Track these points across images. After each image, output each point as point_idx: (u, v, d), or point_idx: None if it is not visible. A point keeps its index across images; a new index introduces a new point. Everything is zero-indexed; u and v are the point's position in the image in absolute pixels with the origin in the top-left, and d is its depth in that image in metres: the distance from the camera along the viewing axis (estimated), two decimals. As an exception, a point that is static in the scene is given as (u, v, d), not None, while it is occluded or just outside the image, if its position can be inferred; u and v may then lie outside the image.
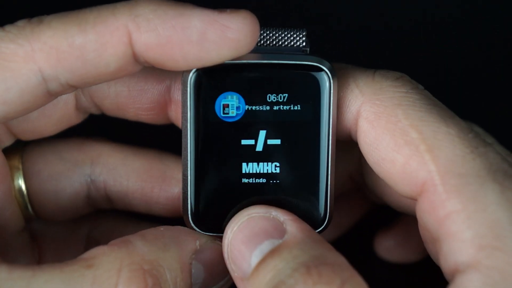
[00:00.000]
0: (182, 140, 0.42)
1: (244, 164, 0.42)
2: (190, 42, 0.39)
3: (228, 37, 0.39)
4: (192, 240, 0.41)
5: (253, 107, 0.42)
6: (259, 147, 0.42)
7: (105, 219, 0.52)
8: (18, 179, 0.48)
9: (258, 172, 0.42)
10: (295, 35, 0.42)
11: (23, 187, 0.48)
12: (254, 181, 0.42)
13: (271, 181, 0.42)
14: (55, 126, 0.47)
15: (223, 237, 0.41)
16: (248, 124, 0.42)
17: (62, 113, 0.47)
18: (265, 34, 0.42)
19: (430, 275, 0.52)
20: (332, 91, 0.42)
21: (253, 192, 0.42)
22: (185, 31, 0.39)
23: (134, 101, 0.46)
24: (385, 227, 0.55)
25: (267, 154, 0.42)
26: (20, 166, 0.48)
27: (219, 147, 0.42)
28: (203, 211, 0.43)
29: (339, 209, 0.52)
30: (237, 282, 0.41)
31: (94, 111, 0.48)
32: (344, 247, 0.42)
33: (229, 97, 0.42)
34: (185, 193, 0.43)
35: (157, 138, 0.52)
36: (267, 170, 0.42)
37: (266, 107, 0.42)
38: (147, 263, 0.39)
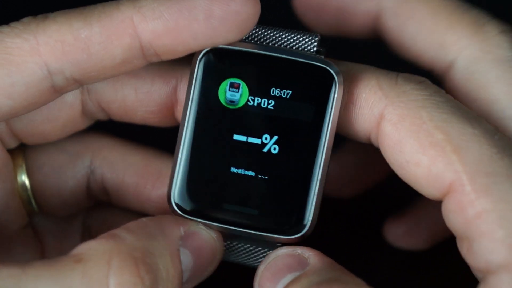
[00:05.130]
0: (181, 119, 0.42)
1: (236, 153, 0.42)
2: (198, 21, 0.40)
3: (234, 10, 0.40)
4: (176, 227, 0.41)
5: (256, 98, 0.42)
6: (254, 140, 0.42)
7: (101, 212, 0.51)
8: (22, 175, 0.48)
9: (249, 163, 0.42)
10: (306, 39, 0.42)
11: (27, 182, 0.48)
12: (244, 173, 0.42)
13: (260, 176, 0.42)
14: (60, 131, 0.47)
15: (254, 279, 0.42)
16: (247, 114, 0.42)
17: (68, 118, 0.46)
18: (277, 35, 0.42)
19: (438, 263, 0.52)
20: (336, 96, 0.41)
21: (242, 182, 0.42)
22: (191, 12, 0.40)
23: (141, 104, 0.46)
24: (395, 214, 0.55)
25: (261, 148, 0.42)
26: (23, 163, 0.48)
27: (214, 132, 0.42)
28: (187, 194, 0.42)
29: (362, 166, 0.52)
30: None
31: (101, 116, 0.48)
32: (354, 233, 0.42)
33: (235, 84, 0.42)
34: (172, 172, 0.42)
35: (160, 138, 0.51)
36: (259, 164, 0.42)
37: (268, 100, 0.42)
38: (137, 251, 0.38)
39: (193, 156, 0.42)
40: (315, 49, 0.42)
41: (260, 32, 0.43)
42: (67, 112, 0.46)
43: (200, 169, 0.42)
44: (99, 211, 0.51)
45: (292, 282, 0.39)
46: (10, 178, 0.46)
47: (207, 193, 0.42)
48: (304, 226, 0.41)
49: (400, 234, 0.54)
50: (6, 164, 0.46)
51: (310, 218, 0.41)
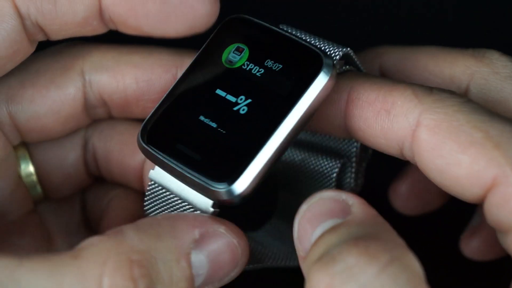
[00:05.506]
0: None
1: (210, 104, 0.43)
2: (154, 1, 0.43)
3: (189, 3, 0.42)
4: (190, 229, 0.40)
5: (251, 64, 0.43)
6: (231, 98, 0.43)
7: (98, 191, 0.52)
8: (25, 161, 0.49)
9: (216, 116, 0.43)
10: (329, 49, 0.43)
11: (31, 168, 0.49)
12: (208, 122, 0.43)
13: (220, 129, 0.42)
14: (62, 126, 0.47)
15: (295, 217, 0.41)
16: (237, 74, 0.43)
17: (70, 111, 0.47)
18: (309, 37, 0.44)
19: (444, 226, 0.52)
20: (316, 82, 0.41)
21: (202, 130, 0.42)
22: None
23: (142, 93, 0.47)
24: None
25: (233, 106, 0.43)
26: (26, 149, 0.49)
27: (202, 82, 0.44)
28: (153, 126, 0.44)
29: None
30: (300, 262, 0.40)
31: (102, 113, 0.48)
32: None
33: (240, 48, 0.44)
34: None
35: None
36: (224, 118, 0.42)
37: (260, 68, 0.43)
38: (136, 253, 0.38)
39: (174, 97, 0.44)
40: (337, 57, 0.43)
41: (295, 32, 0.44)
42: (69, 104, 0.47)
43: (174, 108, 0.44)
44: (96, 190, 0.51)
45: (330, 229, 0.39)
46: (13, 166, 0.47)
47: (169, 130, 0.43)
48: (235, 187, 0.41)
49: (480, 248, 0.53)
50: (10, 153, 0.47)
51: (245, 185, 0.41)
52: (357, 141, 0.47)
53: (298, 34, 0.44)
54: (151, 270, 0.38)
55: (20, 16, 0.43)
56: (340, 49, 0.43)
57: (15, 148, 0.48)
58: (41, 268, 0.36)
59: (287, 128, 0.41)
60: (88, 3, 0.43)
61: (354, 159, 0.48)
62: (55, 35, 0.45)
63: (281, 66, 0.43)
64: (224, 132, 0.42)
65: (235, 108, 0.42)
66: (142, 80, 0.47)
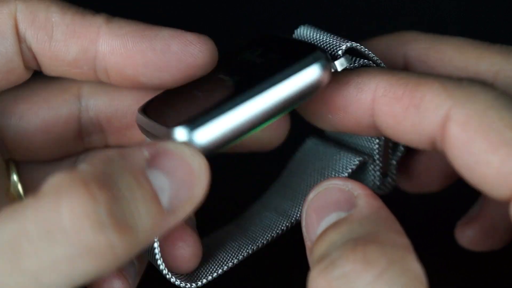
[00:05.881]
0: None
1: (208, 83, 0.44)
2: (154, 51, 0.43)
3: (189, 51, 0.43)
4: (138, 151, 0.38)
5: (258, 56, 0.45)
6: (227, 78, 0.44)
7: None
8: (13, 175, 0.48)
9: (207, 88, 0.44)
10: (333, 45, 0.44)
11: (15, 178, 0.48)
12: (197, 93, 0.44)
13: (201, 94, 0.44)
14: (51, 148, 0.48)
15: (303, 204, 0.41)
16: (241, 63, 0.45)
17: (61, 133, 0.47)
18: (313, 35, 0.45)
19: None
20: (300, 64, 0.42)
21: (188, 97, 0.44)
22: (152, 41, 0.43)
23: None
24: (465, 215, 0.53)
25: (224, 81, 0.44)
26: (14, 167, 0.48)
27: (213, 69, 0.45)
28: (153, 101, 0.45)
29: None
30: (307, 253, 0.40)
31: (97, 140, 0.48)
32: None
33: (258, 49, 0.46)
34: None
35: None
36: (211, 88, 0.44)
37: (261, 58, 0.45)
38: (88, 174, 0.36)
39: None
40: (339, 52, 0.43)
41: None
42: (61, 127, 0.47)
43: (176, 88, 0.45)
44: None
45: (333, 225, 0.39)
46: (3, 178, 0.47)
47: (162, 101, 0.44)
48: (193, 134, 0.40)
49: (475, 237, 0.52)
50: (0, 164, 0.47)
51: (204, 135, 0.40)
52: (379, 138, 0.47)
53: (316, 33, 0.45)
54: (108, 183, 0.36)
55: (19, 37, 0.44)
56: (345, 43, 0.43)
57: (6, 161, 0.48)
58: (8, 216, 0.36)
59: (261, 98, 0.41)
60: (83, 47, 0.43)
61: (377, 156, 0.48)
62: (46, 69, 0.45)
63: (280, 56, 0.44)
64: (202, 96, 0.43)
65: (224, 82, 0.44)
66: (144, 100, 0.46)
